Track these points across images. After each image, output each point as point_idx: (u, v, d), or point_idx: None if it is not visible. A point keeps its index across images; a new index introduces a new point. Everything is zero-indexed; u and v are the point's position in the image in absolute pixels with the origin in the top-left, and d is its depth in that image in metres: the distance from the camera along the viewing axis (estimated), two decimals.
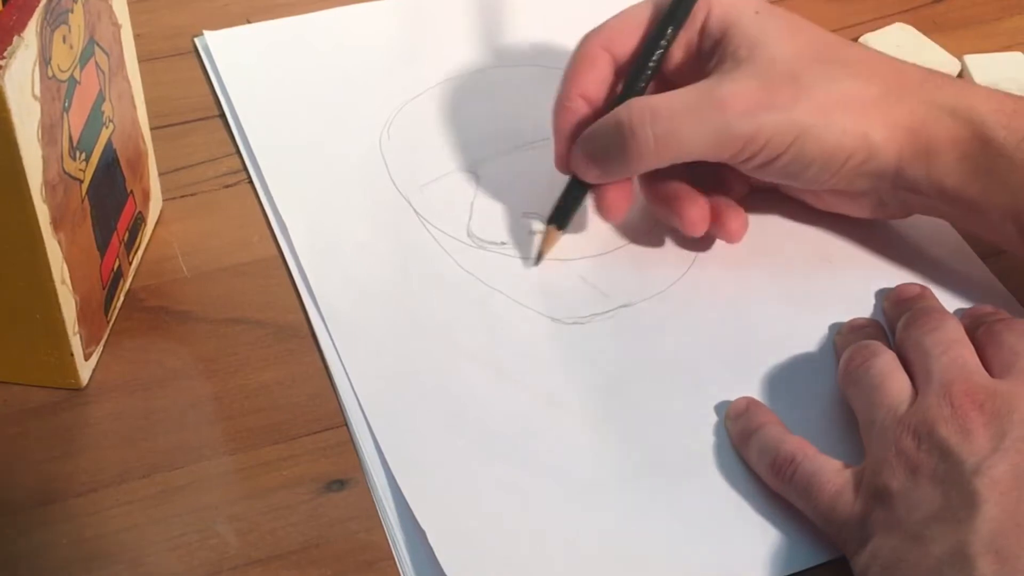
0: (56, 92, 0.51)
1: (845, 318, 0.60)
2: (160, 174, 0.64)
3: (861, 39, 0.74)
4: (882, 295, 0.61)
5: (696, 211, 0.61)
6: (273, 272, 0.62)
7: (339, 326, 0.59)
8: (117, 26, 0.57)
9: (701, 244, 0.63)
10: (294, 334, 0.60)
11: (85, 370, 0.57)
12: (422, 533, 0.52)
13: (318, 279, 0.61)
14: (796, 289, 0.62)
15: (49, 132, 0.51)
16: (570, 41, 0.63)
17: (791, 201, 0.64)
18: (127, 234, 0.60)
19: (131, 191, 0.60)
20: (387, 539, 0.53)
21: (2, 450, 0.55)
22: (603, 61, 0.61)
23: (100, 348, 0.58)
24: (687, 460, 0.55)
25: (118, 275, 0.60)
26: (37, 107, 0.50)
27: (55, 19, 0.51)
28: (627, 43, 0.61)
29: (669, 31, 0.60)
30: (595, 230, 0.63)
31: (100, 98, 0.56)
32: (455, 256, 0.63)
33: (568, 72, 0.62)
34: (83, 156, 0.55)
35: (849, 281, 0.62)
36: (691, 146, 0.58)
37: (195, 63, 0.73)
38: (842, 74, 0.58)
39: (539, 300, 0.61)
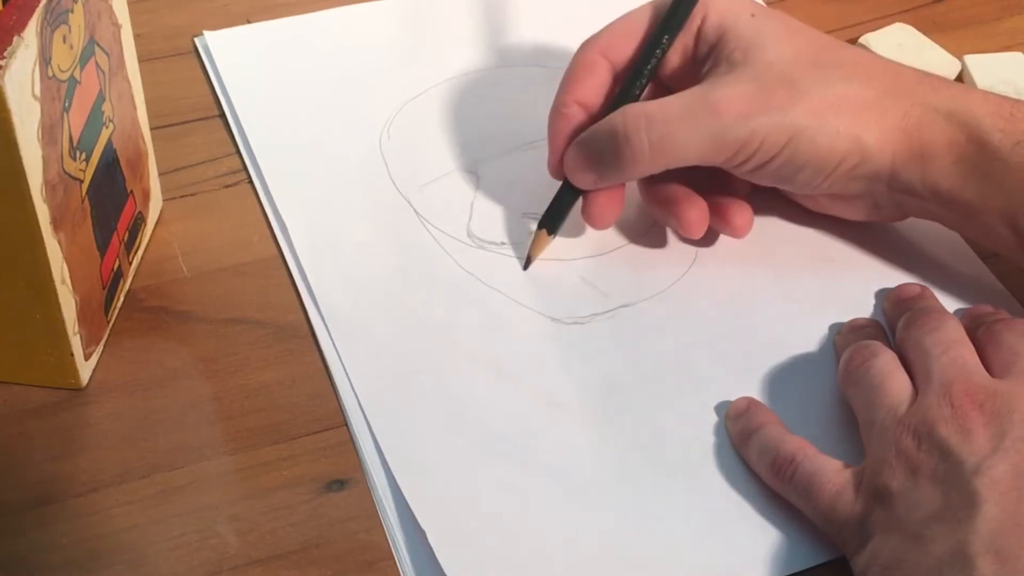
0: (56, 92, 0.51)
1: (845, 318, 0.60)
2: (160, 174, 0.64)
3: (861, 39, 0.74)
4: (882, 295, 0.61)
5: (695, 213, 0.61)
6: (273, 272, 0.62)
7: (339, 326, 0.59)
8: (117, 26, 0.57)
9: (703, 240, 0.63)
10: (294, 334, 0.60)
11: (85, 370, 0.57)
12: (422, 533, 0.52)
13: (318, 279, 0.61)
14: (796, 289, 0.62)
15: (49, 132, 0.51)
16: (570, 41, 0.63)
17: (791, 201, 0.64)
18: (127, 234, 0.60)
19: (131, 191, 0.60)
20: (387, 539, 0.53)
21: (2, 450, 0.55)
22: (601, 68, 0.61)
23: (100, 348, 0.58)
24: (687, 460, 0.55)
25: (118, 275, 0.60)
26: (37, 107, 0.50)
27: (55, 19, 0.51)
28: (625, 49, 0.61)
29: (665, 38, 0.60)
30: (595, 230, 0.63)
31: (100, 98, 0.56)
32: (455, 256, 0.63)
33: (565, 79, 0.62)
34: (83, 156, 0.55)
35: (849, 281, 0.62)
36: (686, 151, 0.58)
37: (195, 63, 0.73)
38: (837, 77, 0.58)
39: (539, 300, 0.61)
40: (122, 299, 0.60)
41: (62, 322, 0.54)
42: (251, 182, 0.66)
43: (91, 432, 0.56)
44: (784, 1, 0.78)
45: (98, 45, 0.55)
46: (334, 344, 0.59)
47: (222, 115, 0.70)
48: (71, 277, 0.54)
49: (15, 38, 0.48)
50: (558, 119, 0.61)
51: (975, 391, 0.51)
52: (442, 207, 0.65)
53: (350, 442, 0.56)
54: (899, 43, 0.73)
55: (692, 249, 0.63)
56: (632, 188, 0.63)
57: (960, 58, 0.73)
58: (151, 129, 0.63)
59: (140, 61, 0.60)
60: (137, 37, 0.60)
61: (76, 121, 0.54)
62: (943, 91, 0.58)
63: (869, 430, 0.53)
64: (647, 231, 0.64)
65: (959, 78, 0.73)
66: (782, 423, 0.55)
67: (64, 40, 0.52)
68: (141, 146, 0.62)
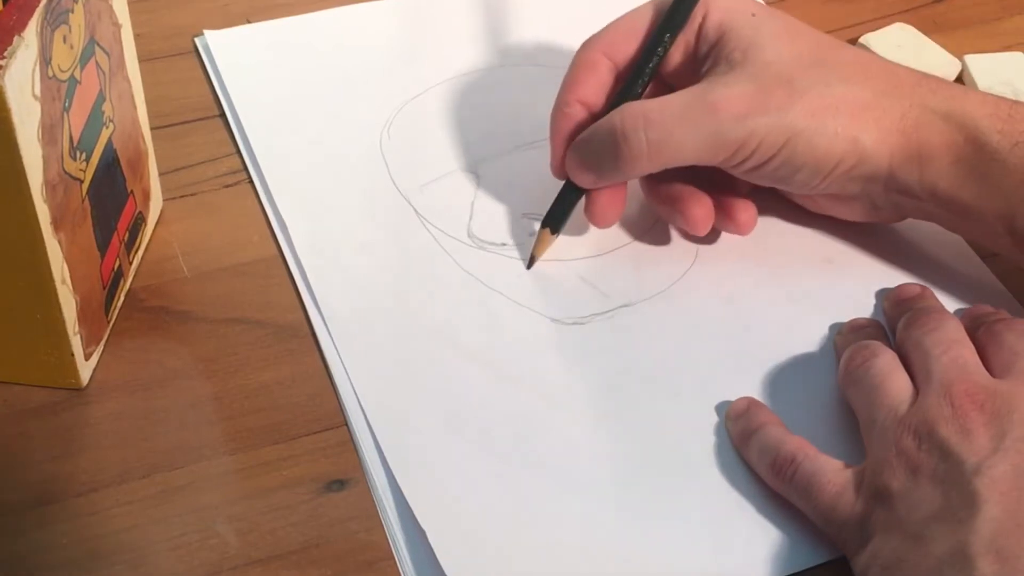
0: (56, 92, 0.51)
1: (845, 318, 0.60)
2: (160, 174, 0.64)
3: (861, 39, 0.74)
4: (882, 295, 0.61)
5: (700, 210, 0.61)
6: (273, 272, 0.62)
7: (339, 326, 0.59)
8: (117, 26, 0.57)
9: (704, 239, 0.63)
10: (294, 334, 0.60)
11: (85, 370, 0.57)
12: (422, 533, 0.52)
13: (318, 279, 0.61)
14: (796, 289, 0.62)
15: (49, 132, 0.51)
16: (570, 41, 0.63)
17: (791, 201, 0.64)
18: (127, 234, 0.60)
19: (131, 191, 0.60)
20: (387, 539, 0.53)
21: (2, 450, 0.55)
22: (603, 67, 0.61)
23: (100, 348, 0.58)
24: (687, 460, 0.55)
25: (118, 275, 0.60)
26: (37, 107, 0.50)
27: (55, 19, 0.51)
28: (627, 49, 0.61)
29: (666, 37, 0.60)
30: (595, 230, 0.63)
31: (100, 98, 0.56)
32: (455, 256, 0.63)
33: (567, 78, 0.62)
34: (83, 156, 0.55)
35: (849, 281, 0.62)
36: (684, 151, 0.58)
37: (195, 63, 0.73)
38: (835, 78, 0.58)
39: (539, 300, 0.61)
40: (122, 299, 0.60)
41: (62, 322, 0.54)
42: (251, 182, 0.66)
43: (91, 432, 0.56)
44: (784, 1, 0.78)
45: (98, 45, 0.55)
46: (334, 344, 0.59)
47: (222, 115, 0.70)
48: (71, 277, 0.54)
49: (15, 38, 0.48)
50: (560, 118, 0.61)
51: (975, 391, 0.51)
52: (442, 207, 0.65)
53: (350, 442, 0.56)
54: (899, 43, 0.73)
55: (692, 249, 0.63)
56: (634, 187, 0.63)
57: (960, 58, 0.73)
58: (151, 129, 0.63)
59: (140, 61, 0.60)
60: (137, 37, 0.60)
61: (76, 121, 0.54)
62: (941, 92, 0.58)
63: (869, 430, 0.53)
64: (647, 231, 0.64)
65: (959, 78, 0.73)
66: (782, 423, 0.55)
67: (64, 40, 0.52)
68: (141, 146, 0.62)
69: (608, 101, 0.61)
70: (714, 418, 0.57)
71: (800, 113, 0.57)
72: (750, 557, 0.52)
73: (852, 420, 0.55)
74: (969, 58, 0.72)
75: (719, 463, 0.55)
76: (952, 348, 0.53)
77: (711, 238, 0.63)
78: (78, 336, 0.56)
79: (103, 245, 0.58)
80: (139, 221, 0.62)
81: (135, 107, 0.61)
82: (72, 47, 0.53)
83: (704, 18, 0.60)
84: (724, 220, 0.62)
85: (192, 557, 0.52)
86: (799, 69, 0.58)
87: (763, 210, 0.63)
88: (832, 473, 0.52)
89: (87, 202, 0.55)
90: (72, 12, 0.52)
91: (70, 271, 0.54)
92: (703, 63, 0.60)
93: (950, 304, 0.60)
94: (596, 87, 0.61)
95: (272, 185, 0.66)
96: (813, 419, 0.56)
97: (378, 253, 0.63)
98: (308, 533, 0.53)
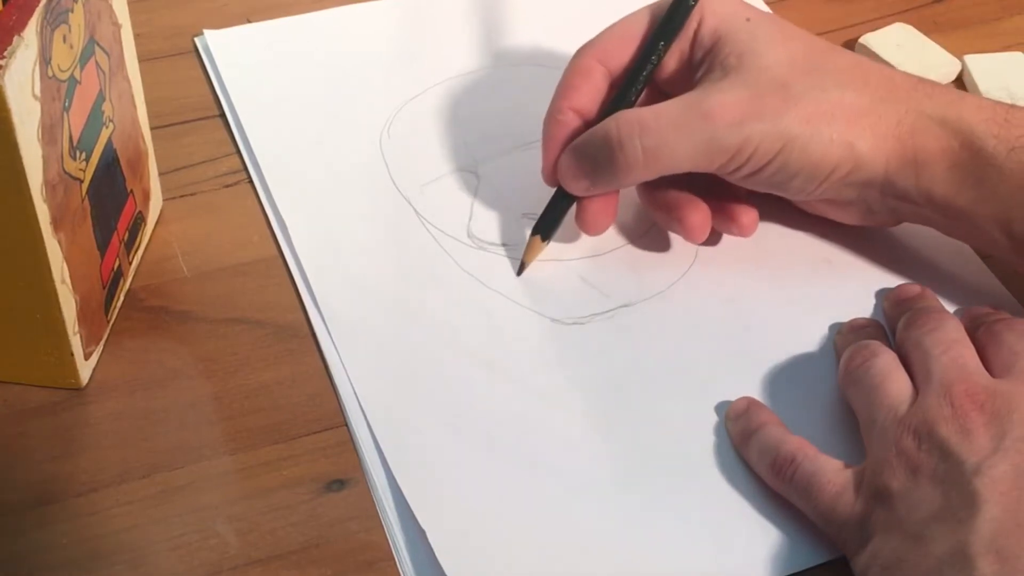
0: (56, 92, 0.51)
1: (845, 318, 0.60)
2: (160, 174, 0.64)
3: (861, 39, 0.74)
4: (882, 295, 0.61)
5: (698, 217, 0.61)
6: (273, 272, 0.62)
7: (339, 326, 0.59)
8: (117, 26, 0.57)
9: (706, 239, 0.63)
10: (294, 334, 0.60)
11: (85, 370, 0.57)
12: (422, 533, 0.52)
13: (318, 279, 0.61)
14: (796, 289, 0.62)
15: (49, 132, 0.51)
16: (570, 41, 0.63)
17: (789, 203, 0.64)
18: (127, 234, 0.60)
19: (131, 191, 0.60)
20: (387, 539, 0.53)
21: (2, 450, 0.55)
22: (597, 74, 0.61)
23: (100, 348, 0.58)
24: (687, 460, 0.55)
25: (118, 275, 0.60)
26: (37, 107, 0.50)
27: (55, 19, 0.51)
28: (621, 55, 0.61)
29: (661, 44, 0.60)
30: None
31: (100, 98, 0.56)
32: (455, 256, 0.63)
33: (560, 85, 0.62)
34: (83, 156, 0.55)
35: (849, 281, 0.62)
36: (679, 158, 0.58)
37: (195, 63, 0.73)
38: (831, 83, 0.58)
39: (539, 301, 0.61)
40: (122, 299, 0.60)
41: (62, 322, 0.54)
42: (251, 182, 0.66)
43: (91, 432, 0.56)
44: (784, 1, 0.78)
45: (98, 45, 0.55)
46: (334, 344, 0.59)
47: (222, 115, 0.70)
48: (71, 277, 0.54)
49: (15, 38, 0.48)
50: (553, 125, 0.61)
51: (975, 391, 0.51)
52: (442, 207, 0.65)
53: (350, 442, 0.56)
54: (899, 43, 0.73)
55: (692, 249, 0.63)
56: (627, 193, 0.63)
57: (960, 58, 0.73)
58: (151, 129, 0.63)
59: (140, 61, 0.60)
60: (137, 37, 0.60)
61: (76, 121, 0.54)
62: (937, 97, 0.58)
63: (869, 430, 0.53)
64: (647, 231, 0.64)
65: (959, 78, 0.73)
66: (782, 423, 0.55)
67: (64, 40, 0.52)
68: (141, 146, 0.62)
69: (602, 108, 0.61)
70: (714, 418, 0.57)
71: (795, 119, 0.57)
72: (750, 557, 0.52)
73: (852, 420, 0.55)
74: (969, 58, 0.72)
75: (719, 463, 0.55)
76: (952, 348, 0.53)
77: (712, 240, 0.63)
78: (78, 336, 0.56)
79: (103, 245, 0.58)
80: (139, 221, 0.62)
81: (135, 107, 0.61)
82: (72, 47, 0.53)
83: (699, 24, 0.60)
84: (726, 223, 0.62)
85: (192, 557, 0.52)
86: (794, 75, 0.58)
87: (763, 211, 0.63)
88: (832, 473, 0.52)
89: (87, 202, 0.55)
90: (72, 12, 0.52)
91: (70, 271, 0.54)
92: (698, 69, 0.60)
93: (950, 304, 0.60)
94: (590, 94, 0.61)
95: (272, 185, 0.66)
96: (813, 419, 0.56)
97: (378, 253, 0.63)
98: (308, 533, 0.53)
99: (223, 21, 0.75)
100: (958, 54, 0.73)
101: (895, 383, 0.53)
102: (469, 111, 0.70)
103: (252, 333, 0.60)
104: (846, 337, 0.58)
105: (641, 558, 0.52)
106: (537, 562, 0.52)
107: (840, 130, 0.57)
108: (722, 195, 0.62)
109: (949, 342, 0.54)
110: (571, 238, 0.63)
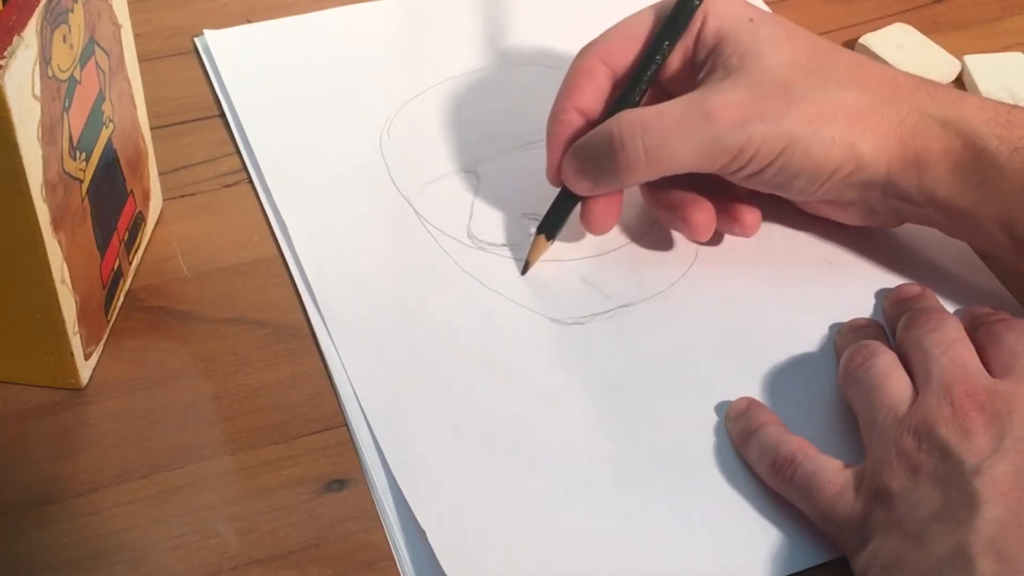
0: (56, 92, 0.51)
1: (845, 318, 0.60)
2: (160, 174, 0.64)
3: (861, 39, 0.74)
4: (882, 295, 0.61)
5: (703, 215, 0.61)
6: (273, 272, 0.62)
7: (339, 326, 0.59)
8: (117, 26, 0.57)
9: (708, 240, 0.63)
10: (294, 334, 0.60)
11: (85, 370, 0.57)
12: (422, 533, 0.52)
13: (318, 279, 0.61)
14: (796, 289, 0.62)
15: (49, 132, 0.51)
16: (570, 41, 0.63)
17: (791, 202, 0.64)
18: (127, 234, 0.60)
19: (131, 191, 0.60)
20: (387, 539, 0.53)
21: (2, 450, 0.55)
22: (600, 74, 0.61)
23: (100, 348, 0.58)
24: (687, 460, 0.55)
25: (118, 275, 0.60)
26: (37, 107, 0.50)
27: (55, 19, 0.51)
28: (625, 55, 0.61)
29: (665, 45, 0.60)
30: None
31: (100, 98, 0.56)
32: (455, 257, 0.63)
33: (564, 85, 0.62)
34: (83, 156, 0.55)
35: (849, 281, 0.62)
36: (682, 158, 0.58)
37: (195, 63, 0.73)
38: (833, 84, 0.58)
39: (539, 301, 0.61)
40: (122, 299, 0.60)
41: (62, 322, 0.54)
42: (251, 182, 0.66)
43: (91, 432, 0.56)
44: (785, 1, 0.78)
45: (98, 45, 0.55)
46: (334, 344, 0.59)
47: (222, 115, 0.70)
48: (71, 277, 0.54)
49: (15, 38, 0.48)
50: (556, 125, 0.61)
51: (975, 391, 0.51)
52: (442, 207, 0.65)
53: (350, 442, 0.56)
54: (899, 43, 0.73)
55: (692, 250, 0.63)
56: (628, 192, 0.63)
57: (960, 58, 0.73)
58: (151, 129, 0.63)
59: (140, 61, 0.60)
60: (137, 37, 0.60)
61: (76, 121, 0.54)
62: (939, 98, 0.58)
63: (869, 430, 0.53)
64: (647, 231, 0.64)
65: (959, 78, 0.73)
66: (782, 423, 0.55)
67: (64, 40, 0.52)
68: (141, 146, 0.62)
69: (606, 108, 0.61)
70: (714, 418, 0.57)
71: (797, 120, 0.57)
72: (750, 557, 0.52)
73: (852, 420, 0.55)
74: (969, 58, 0.72)
75: (719, 463, 0.55)
76: (952, 348, 0.53)
77: (713, 240, 0.63)
78: (78, 336, 0.56)
79: (103, 245, 0.58)
80: (139, 221, 0.62)
81: (135, 107, 0.61)
82: (72, 47, 0.53)
83: (702, 24, 0.60)
84: (729, 223, 0.62)
85: (192, 557, 0.52)
86: (796, 75, 0.58)
87: (763, 212, 0.63)
88: (832, 473, 0.52)
89: (87, 202, 0.55)
90: (72, 12, 0.52)
91: (70, 271, 0.54)
92: (700, 69, 0.60)
93: (950, 304, 0.60)
94: (594, 94, 0.61)
95: (272, 185, 0.66)
96: (813, 419, 0.56)
97: (378, 253, 0.63)
98: (308, 533, 0.53)
99: (223, 21, 0.75)
100: (958, 54, 0.73)
101: (895, 383, 0.53)
102: (469, 111, 0.70)
103: (252, 333, 0.60)
104: (846, 337, 0.58)
105: (641, 558, 0.52)
106: (537, 562, 0.52)
107: (842, 131, 0.57)
108: (724, 195, 0.62)
109: (949, 342, 0.54)
110: (571, 238, 0.63)
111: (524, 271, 0.62)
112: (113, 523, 0.53)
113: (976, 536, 0.46)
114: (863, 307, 0.61)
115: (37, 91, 0.50)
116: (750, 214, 0.61)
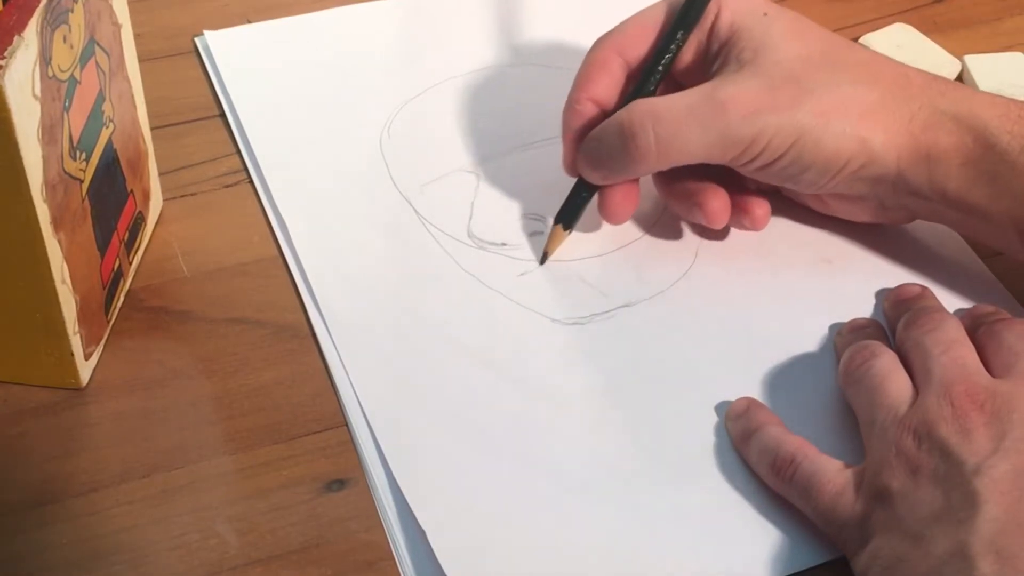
0: (56, 92, 0.51)
1: (845, 318, 0.60)
2: (160, 174, 0.64)
3: (861, 39, 0.74)
4: (882, 295, 0.61)
5: (718, 202, 0.61)
6: (273, 272, 0.62)
7: (339, 326, 0.59)
8: (117, 26, 0.57)
9: (708, 235, 0.63)
10: (294, 334, 0.60)
11: (85, 370, 0.57)
12: (422, 533, 0.52)
13: (318, 279, 0.61)
14: (796, 289, 0.62)
15: (49, 132, 0.51)
16: (571, 40, 0.63)
17: (792, 202, 0.64)
18: (127, 234, 0.60)
19: (131, 191, 0.60)
20: (387, 539, 0.53)
21: (2, 450, 0.55)
22: (615, 65, 0.61)
23: (100, 348, 0.58)
24: (687, 460, 0.55)
25: (118, 275, 0.60)
26: (37, 107, 0.50)
27: (55, 19, 0.51)
28: (639, 47, 0.61)
29: (679, 35, 0.60)
30: (595, 230, 0.63)
31: (100, 98, 0.56)
32: (455, 256, 0.63)
33: (579, 76, 0.62)
34: (83, 156, 0.55)
35: (849, 281, 0.62)
36: (692, 149, 0.58)
37: (195, 63, 0.73)
38: (845, 78, 0.58)
39: (539, 301, 0.61)
40: (122, 299, 0.60)
41: (62, 322, 0.54)
42: (251, 182, 0.66)
43: (91, 432, 0.56)
44: (784, 1, 0.78)
45: (98, 45, 0.55)
46: (334, 344, 0.59)
47: (222, 115, 0.70)
48: (71, 277, 0.54)
49: (15, 38, 0.48)
50: (571, 116, 0.62)
51: (975, 391, 0.51)
52: (443, 207, 0.65)
53: (350, 442, 0.56)
54: (899, 43, 0.73)
55: (692, 249, 0.63)
56: (646, 184, 0.63)
57: (960, 58, 0.73)
58: (151, 129, 0.63)
59: (140, 61, 0.60)
60: (137, 37, 0.60)
61: (76, 121, 0.54)
62: (951, 94, 0.58)
63: (869, 430, 0.53)
64: (647, 231, 0.64)
65: (959, 78, 0.73)
66: (782, 423, 0.55)
67: (64, 40, 0.52)
68: (141, 146, 0.62)
69: (620, 99, 0.61)
70: (714, 418, 0.57)
71: (809, 112, 0.57)
72: (750, 557, 0.52)
73: (852, 420, 0.55)
74: (969, 58, 0.72)
75: (719, 463, 0.55)
76: (952, 348, 0.53)
77: (718, 234, 0.63)
78: (78, 336, 0.56)
79: (103, 245, 0.58)
80: (139, 221, 0.62)
81: (135, 107, 0.61)
82: (72, 47, 0.53)
83: (716, 16, 0.60)
84: (739, 216, 0.62)
85: (192, 557, 0.52)
86: (809, 69, 0.58)
87: None
88: (832, 473, 0.52)
89: (87, 202, 0.55)
90: (72, 12, 0.52)
91: (70, 271, 0.54)
92: (714, 62, 0.60)
93: (950, 304, 0.60)
94: (608, 85, 0.61)
95: (272, 185, 0.66)
96: (813, 419, 0.56)
97: (378, 253, 0.63)
98: (308, 533, 0.53)
99: (223, 21, 0.75)
100: (958, 54, 0.73)
101: (895, 383, 0.53)
102: (469, 111, 0.70)
103: (252, 333, 0.60)
104: (846, 337, 0.58)
105: (641, 558, 0.52)
106: (537, 562, 0.52)
107: (853, 124, 0.57)
108: (733, 189, 0.62)
109: (949, 342, 0.54)
110: (573, 237, 0.63)
111: (542, 261, 0.62)
112: (113, 523, 0.53)
113: (976, 536, 0.46)
114: (863, 307, 0.61)
115: (37, 91, 0.50)
116: (760, 207, 0.62)
